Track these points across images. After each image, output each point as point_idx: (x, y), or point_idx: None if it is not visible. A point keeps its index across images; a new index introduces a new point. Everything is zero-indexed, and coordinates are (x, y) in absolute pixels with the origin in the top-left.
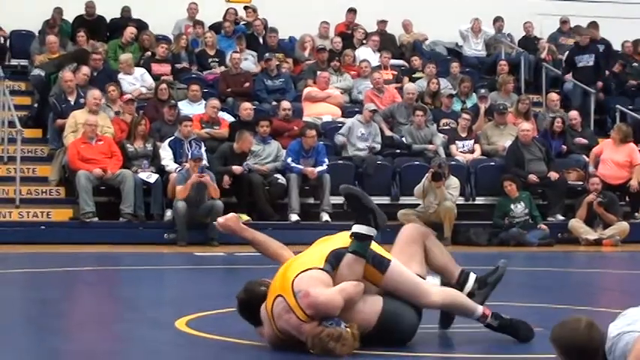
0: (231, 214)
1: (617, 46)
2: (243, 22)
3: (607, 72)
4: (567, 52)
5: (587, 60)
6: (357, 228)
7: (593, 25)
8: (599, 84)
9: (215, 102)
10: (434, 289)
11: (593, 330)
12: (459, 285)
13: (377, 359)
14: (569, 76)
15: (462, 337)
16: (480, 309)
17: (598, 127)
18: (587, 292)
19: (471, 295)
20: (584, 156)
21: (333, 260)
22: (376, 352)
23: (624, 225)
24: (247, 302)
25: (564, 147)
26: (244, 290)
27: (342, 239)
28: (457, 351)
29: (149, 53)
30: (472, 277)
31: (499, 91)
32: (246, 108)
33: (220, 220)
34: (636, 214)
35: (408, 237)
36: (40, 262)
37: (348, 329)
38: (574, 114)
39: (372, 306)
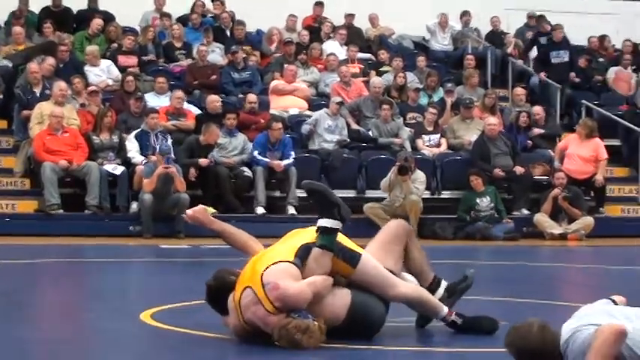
0: (200, 207)
1: (583, 42)
2: (211, 15)
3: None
4: (540, 49)
5: (562, 56)
6: (323, 222)
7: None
8: (572, 75)
9: (179, 93)
10: (402, 283)
11: (545, 332)
12: (430, 290)
13: (344, 352)
14: (542, 75)
15: (432, 331)
16: (445, 309)
17: (564, 122)
18: (552, 286)
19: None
20: (550, 151)
21: (303, 254)
22: (344, 345)
23: (589, 219)
24: (216, 290)
25: (530, 142)
26: (214, 278)
27: (312, 234)
28: (428, 344)
29: (115, 45)
30: (443, 284)
31: (465, 86)
32: (214, 101)
33: (189, 212)
34: (601, 208)
35: (392, 234)
36: (4, 253)
37: (315, 322)
38: (538, 109)
39: (341, 299)
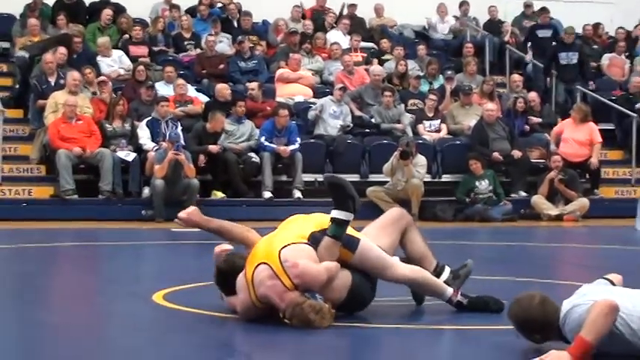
0: (193, 208)
1: (577, 29)
2: (219, 6)
3: None
4: (550, 50)
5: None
6: (337, 214)
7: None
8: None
9: (180, 81)
10: (400, 264)
11: (546, 305)
12: (436, 274)
13: (361, 331)
14: (528, 56)
15: (438, 309)
16: (449, 290)
17: (559, 107)
18: (549, 266)
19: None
20: (546, 135)
21: (314, 242)
22: (360, 323)
23: (584, 201)
24: (226, 272)
25: (527, 126)
26: (225, 261)
27: (315, 221)
28: (436, 323)
29: (127, 36)
30: (447, 269)
31: (464, 73)
32: (224, 89)
33: (182, 215)
34: (596, 190)
35: (391, 219)
36: (21, 237)
37: (327, 304)
38: (533, 95)
39: (344, 281)
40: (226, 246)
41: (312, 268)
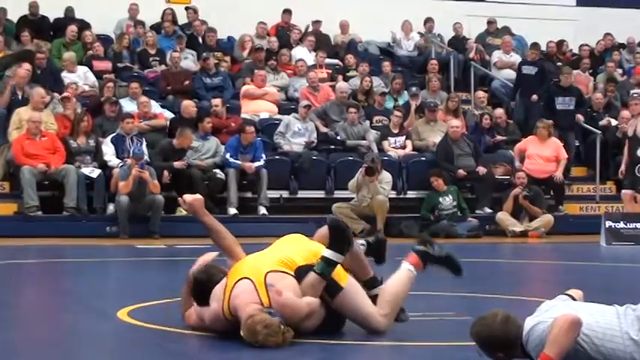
0: (199, 196)
1: (542, 46)
2: (182, 24)
3: None
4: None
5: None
6: (329, 254)
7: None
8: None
9: (144, 98)
10: (382, 321)
11: (509, 323)
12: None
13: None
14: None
15: (398, 326)
16: (411, 267)
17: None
18: (514, 282)
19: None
20: (511, 151)
21: (298, 276)
22: (317, 339)
23: (549, 217)
24: (203, 283)
25: (492, 141)
26: (204, 271)
27: (307, 249)
28: (390, 339)
29: (91, 52)
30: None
31: (428, 90)
32: (190, 106)
33: (188, 197)
34: (560, 207)
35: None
36: None
37: (282, 327)
38: (499, 112)
39: (317, 313)
40: (211, 255)
41: (295, 302)
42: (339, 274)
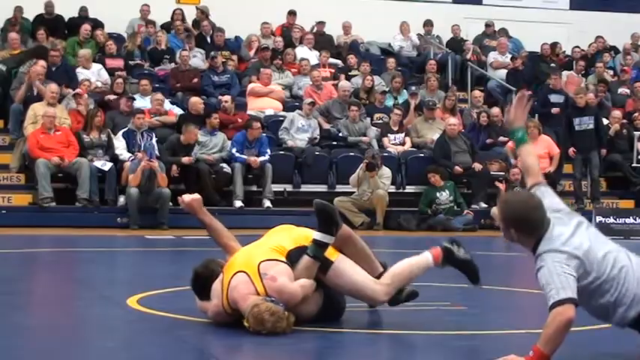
0: (197, 195)
1: (536, 48)
2: (192, 24)
3: None
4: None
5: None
6: (319, 236)
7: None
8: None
9: (159, 95)
10: (378, 289)
11: (541, 210)
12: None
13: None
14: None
15: (394, 315)
16: (430, 257)
17: None
18: (507, 274)
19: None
20: (506, 148)
21: (294, 259)
22: (319, 327)
23: None
24: (204, 277)
25: (490, 140)
26: (204, 266)
27: (295, 236)
28: (389, 327)
29: (104, 50)
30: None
31: (426, 89)
32: (197, 102)
33: (186, 198)
34: None
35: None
36: (1, 244)
37: (286, 312)
38: (496, 110)
39: (315, 298)
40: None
41: (289, 286)
42: (329, 252)
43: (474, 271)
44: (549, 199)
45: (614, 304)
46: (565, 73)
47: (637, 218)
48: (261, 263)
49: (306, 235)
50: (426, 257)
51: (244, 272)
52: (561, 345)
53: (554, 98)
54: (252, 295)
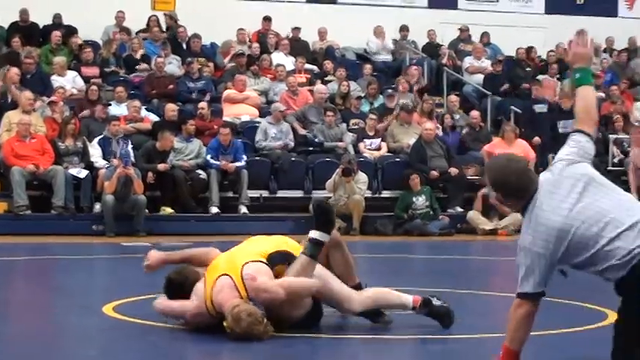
0: (151, 253)
1: (512, 52)
2: (163, 31)
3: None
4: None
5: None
6: (317, 235)
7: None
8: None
9: (135, 102)
10: (356, 295)
11: (528, 174)
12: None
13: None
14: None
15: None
16: (410, 299)
17: (495, 127)
18: (484, 278)
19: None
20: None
21: (272, 262)
22: (299, 333)
23: (518, 216)
24: (177, 282)
25: (462, 141)
26: (177, 272)
27: (274, 242)
28: (370, 332)
29: (80, 58)
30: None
31: (399, 92)
32: (171, 109)
33: (146, 264)
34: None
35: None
36: None
37: (264, 319)
38: (475, 114)
39: (306, 302)
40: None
41: (268, 284)
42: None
43: (446, 319)
44: (565, 149)
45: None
46: (540, 77)
47: None
48: (245, 265)
49: (284, 241)
50: (406, 297)
51: (229, 276)
52: (527, 343)
53: (538, 108)
54: (233, 297)
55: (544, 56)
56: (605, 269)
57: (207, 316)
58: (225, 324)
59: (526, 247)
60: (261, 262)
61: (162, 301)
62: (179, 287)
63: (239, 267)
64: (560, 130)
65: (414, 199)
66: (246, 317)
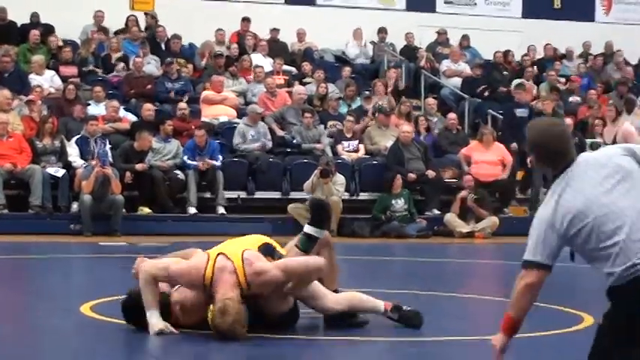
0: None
1: (490, 56)
2: (142, 30)
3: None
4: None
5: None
6: (311, 230)
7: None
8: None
9: (114, 102)
10: (330, 297)
11: (568, 140)
12: None
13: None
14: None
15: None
16: (381, 304)
17: (472, 130)
18: (461, 280)
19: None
20: (459, 155)
21: (265, 252)
22: (281, 335)
23: (494, 219)
24: (136, 303)
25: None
26: (134, 294)
27: (256, 238)
28: (347, 334)
29: (59, 57)
30: None
31: (376, 94)
32: (148, 109)
33: (134, 272)
34: (505, 209)
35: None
36: None
37: (246, 327)
38: (452, 116)
39: (290, 300)
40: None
41: (265, 266)
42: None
43: (418, 319)
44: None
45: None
46: (517, 81)
47: None
48: (245, 252)
49: (265, 239)
50: (378, 302)
51: (230, 260)
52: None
53: (519, 112)
54: (234, 286)
55: (521, 59)
56: (605, 270)
57: (199, 285)
58: (210, 310)
59: (543, 217)
60: (253, 250)
61: (149, 261)
62: (136, 308)
63: (239, 253)
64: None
65: (394, 201)
66: (233, 313)
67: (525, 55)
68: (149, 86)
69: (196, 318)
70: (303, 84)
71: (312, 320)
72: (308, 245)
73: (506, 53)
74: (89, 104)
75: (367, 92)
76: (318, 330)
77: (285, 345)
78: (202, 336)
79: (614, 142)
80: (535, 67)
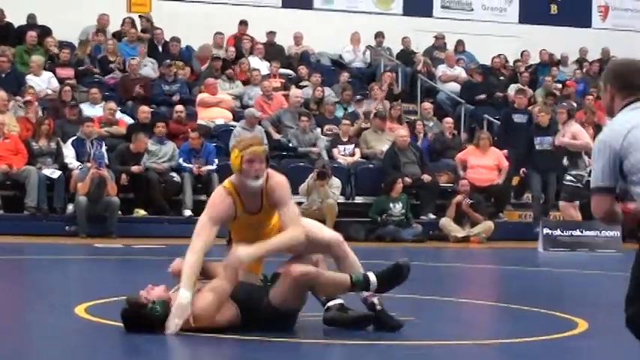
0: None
1: (487, 61)
2: (139, 33)
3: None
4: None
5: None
6: (374, 280)
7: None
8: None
9: (111, 104)
10: (299, 228)
11: None
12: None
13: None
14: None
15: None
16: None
17: (468, 134)
18: (455, 285)
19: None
20: (455, 160)
21: None
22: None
23: (489, 224)
24: (135, 313)
25: (436, 149)
26: (130, 304)
27: None
28: (330, 337)
29: (56, 59)
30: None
31: (371, 98)
32: (144, 112)
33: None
34: (500, 214)
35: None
36: None
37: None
38: (448, 120)
39: (304, 297)
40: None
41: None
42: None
43: (392, 324)
44: None
45: None
46: (513, 86)
47: (583, 230)
48: None
49: None
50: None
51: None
52: (498, 352)
53: (517, 118)
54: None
55: (519, 65)
56: None
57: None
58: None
59: (604, 140)
60: None
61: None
62: (136, 316)
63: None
64: (537, 147)
65: (391, 205)
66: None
67: (517, 60)
68: (146, 88)
69: (207, 324)
70: (300, 87)
71: (308, 323)
72: (360, 284)
73: (504, 58)
74: (75, 105)
75: (359, 96)
76: (314, 332)
77: (267, 350)
78: (202, 337)
79: None
80: (530, 72)
